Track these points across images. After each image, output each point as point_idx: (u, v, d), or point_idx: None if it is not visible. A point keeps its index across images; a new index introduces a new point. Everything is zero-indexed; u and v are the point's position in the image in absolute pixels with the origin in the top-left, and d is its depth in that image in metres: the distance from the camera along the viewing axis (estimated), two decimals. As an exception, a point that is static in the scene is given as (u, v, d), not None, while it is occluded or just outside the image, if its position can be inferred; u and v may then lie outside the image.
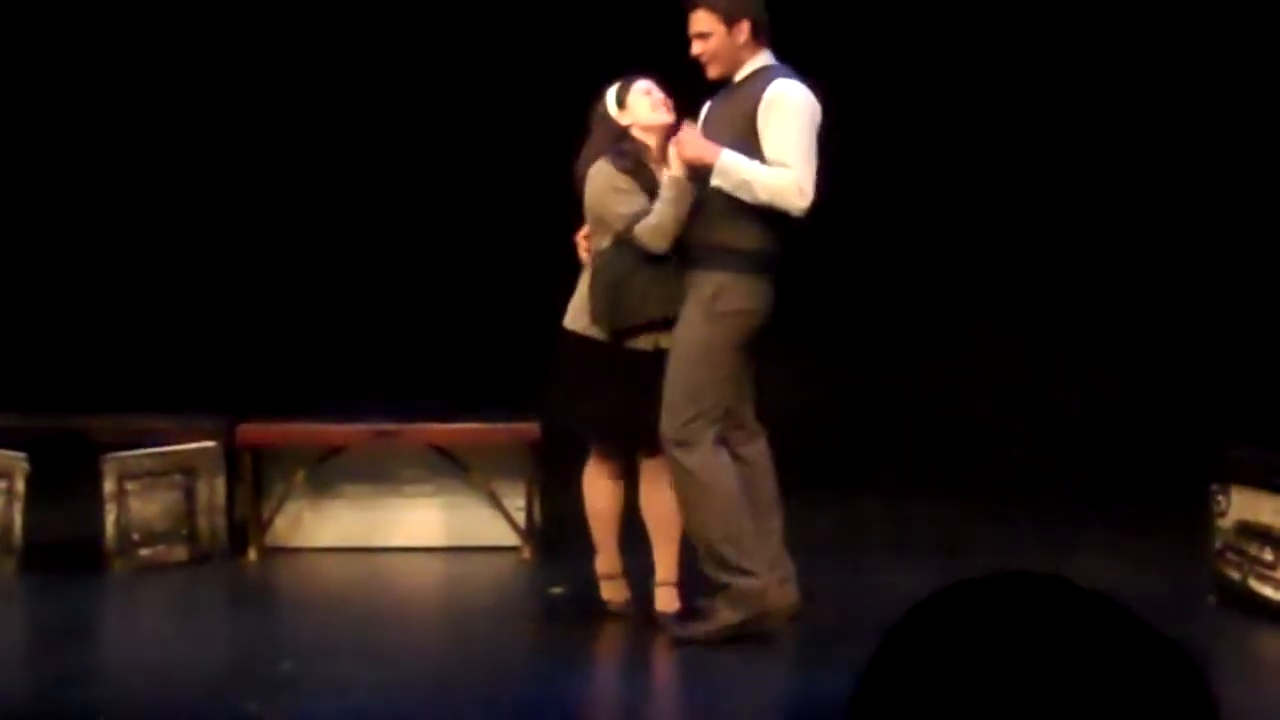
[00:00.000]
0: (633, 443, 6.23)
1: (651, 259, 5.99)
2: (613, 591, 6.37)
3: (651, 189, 6.07)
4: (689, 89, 6.09)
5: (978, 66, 8.83)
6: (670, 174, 5.95)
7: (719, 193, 5.86)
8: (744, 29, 5.91)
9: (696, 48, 5.96)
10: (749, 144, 5.84)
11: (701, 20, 5.94)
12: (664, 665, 5.72)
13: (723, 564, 5.90)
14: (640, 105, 6.23)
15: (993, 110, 8.85)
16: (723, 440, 5.98)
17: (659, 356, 6.07)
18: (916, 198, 8.98)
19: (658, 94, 6.24)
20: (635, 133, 6.22)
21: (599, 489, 6.34)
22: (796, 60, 6.01)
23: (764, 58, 5.96)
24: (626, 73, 6.29)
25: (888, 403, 9.18)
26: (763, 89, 5.88)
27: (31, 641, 6.46)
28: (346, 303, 9.17)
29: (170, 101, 9.15)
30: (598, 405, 6.18)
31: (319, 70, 9.12)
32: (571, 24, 8.71)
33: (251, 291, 9.18)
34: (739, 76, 5.96)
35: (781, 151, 5.81)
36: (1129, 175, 8.86)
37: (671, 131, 6.07)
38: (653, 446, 6.10)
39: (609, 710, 5.65)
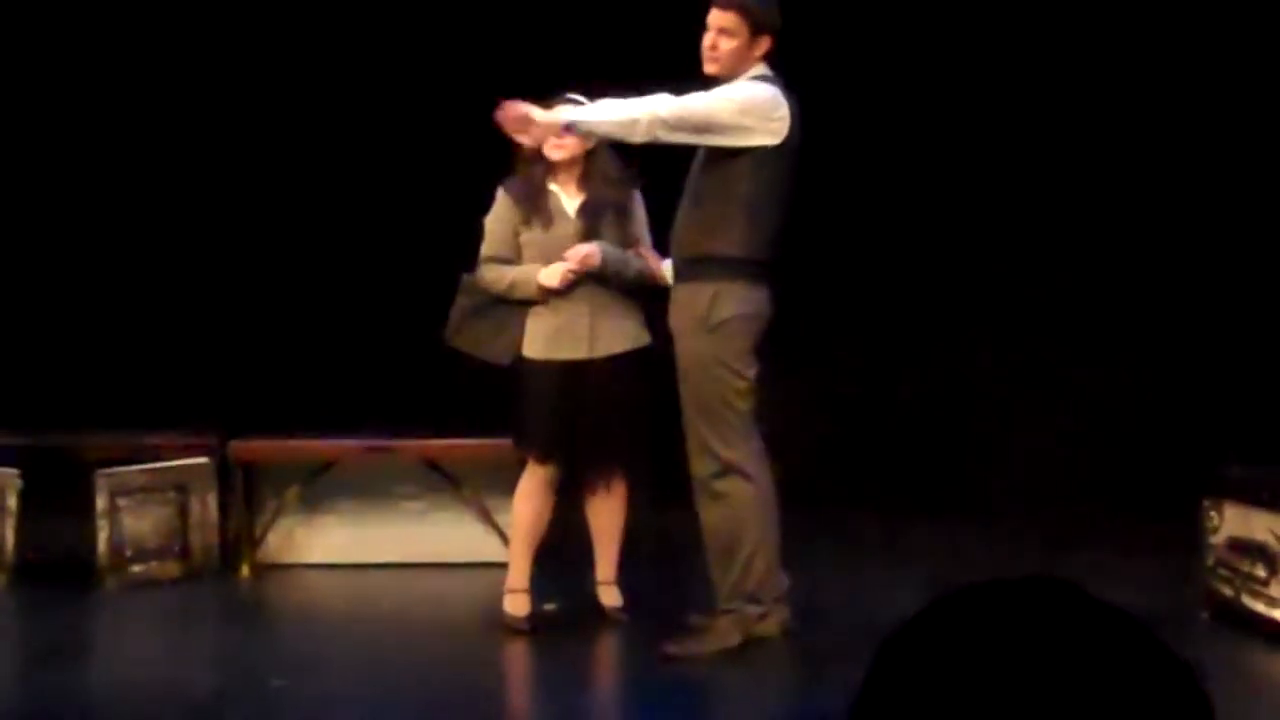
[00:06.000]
0: (571, 456, 6.35)
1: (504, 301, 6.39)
2: (517, 606, 6.41)
3: (546, 215, 6.31)
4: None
5: (976, 77, 8.83)
6: (540, 281, 6.26)
7: (706, 202, 5.83)
8: (765, 44, 5.85)
9: (709, 40, 5.82)
10: (719, 158, 5.81)
11: (728, 19, 5.80)
12: (657, 683, 5.70)
13: (738, 587, 5.88)
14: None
15: (987, 126, 8.85)
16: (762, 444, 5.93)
17: (597, 365, 6.22)
18: (911, 215, 8.98)
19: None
20: (547, 151, 6.27)
21: (532, 504, 6.42)
22: (796, 64, 5.97)
23: (759, 69, 5.90)
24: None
25: (882, 420, 9.17)
26: None
27: (23, 657, 6.45)
28: (339, 318, 9.16)
29: (163, 117, 9.15)
30: (537, 421, 6.34)
31: (316, 85, 9.12)
32: (577, 54, 8.72)
33: (244, 307, 9.17)
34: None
35: None
36: (1122, 197, 8.86)
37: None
38: (593, 460, 6.33)
39: (601, 727, 5.64)
